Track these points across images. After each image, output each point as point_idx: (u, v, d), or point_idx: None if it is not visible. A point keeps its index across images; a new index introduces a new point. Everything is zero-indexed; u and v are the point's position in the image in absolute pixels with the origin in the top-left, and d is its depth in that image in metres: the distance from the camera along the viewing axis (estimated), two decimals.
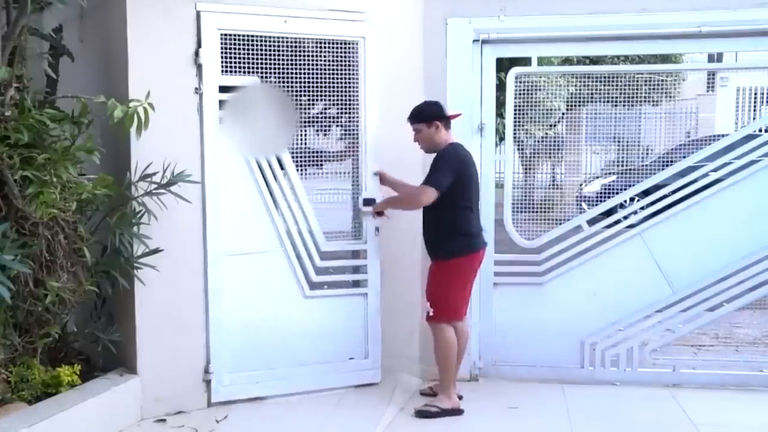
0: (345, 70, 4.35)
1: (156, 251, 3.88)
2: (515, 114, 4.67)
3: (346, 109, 4.42)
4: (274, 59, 4.06)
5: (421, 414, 4.04)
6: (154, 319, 3.99)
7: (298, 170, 4.31)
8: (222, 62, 4.03)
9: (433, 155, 4.12)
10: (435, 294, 4.09)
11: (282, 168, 4.25)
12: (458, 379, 4.57)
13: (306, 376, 4.33)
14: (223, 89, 4.06)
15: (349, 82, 4.39)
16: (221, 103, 4.07)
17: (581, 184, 6.11)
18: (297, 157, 4.34)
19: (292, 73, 4.14)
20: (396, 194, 4.35)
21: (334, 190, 4.65)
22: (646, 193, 4.65)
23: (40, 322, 3.70)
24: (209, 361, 4.15)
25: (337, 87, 4.35)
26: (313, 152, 4.72)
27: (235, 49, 4.00)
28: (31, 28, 3.76)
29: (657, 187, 4.59)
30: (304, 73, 4.13)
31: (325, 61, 4.15)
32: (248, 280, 4.19)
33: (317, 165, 4.71)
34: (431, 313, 4.09)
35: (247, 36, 4.02)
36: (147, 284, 3.93)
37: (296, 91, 4.17)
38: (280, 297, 4.28)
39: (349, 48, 4.45)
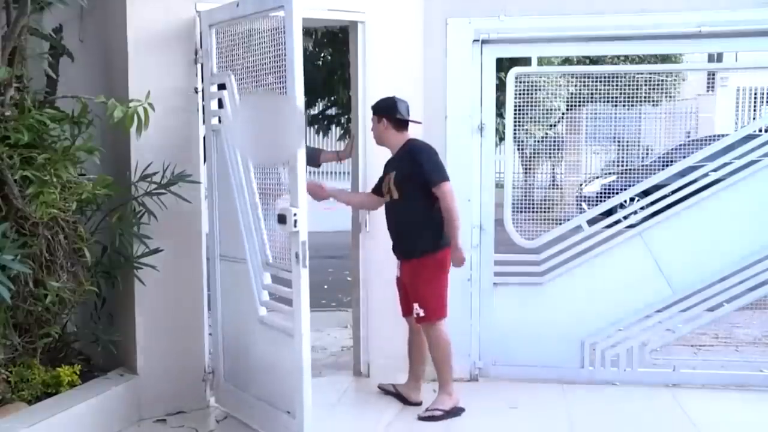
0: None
1: (156, 251, 3.88)
2: (515, 114, 4.67)
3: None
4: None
5: (425, 419, 4.01)
6: (154, 319, 3.99)
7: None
8: (218, 60, 3.99)
9: (383, 148, 4.15)
10: (425, 293, 4.00)
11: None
12: (458, 379, 4.59)
13: (263, 415, 3.77)
14: (223, 87, 4.04)
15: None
16: (221, 102, 4.05)
17: (581, 184, 6.12)
18: None
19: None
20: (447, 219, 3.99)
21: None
22: (646, 193, 4.65)
23: (40, 322, 3.70)
24: (209, 361, 4.16)
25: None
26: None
27: (233, 46, 3.97)
28: (31, 28, 3.76)
29: (657, 187, 4.59)
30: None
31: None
32: (231, 288, 4.03)
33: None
34: (422, 314, 4.01)
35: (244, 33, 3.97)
36: (147, 284, 3.93)
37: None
38: (245, 313, 3.87)
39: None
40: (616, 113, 5.45)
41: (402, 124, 4.10)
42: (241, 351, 3.94)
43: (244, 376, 3.93)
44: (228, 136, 3.91)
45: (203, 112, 4.04)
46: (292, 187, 3.42)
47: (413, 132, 4.18)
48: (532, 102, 4.80)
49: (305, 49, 7.30)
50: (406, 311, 4.18)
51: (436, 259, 4.02)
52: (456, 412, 4.05)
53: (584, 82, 5.41)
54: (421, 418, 4.02)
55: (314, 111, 9.40)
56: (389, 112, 4.07)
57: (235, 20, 3.75)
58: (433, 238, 3.99)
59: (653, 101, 5.68)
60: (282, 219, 3.41)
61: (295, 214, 3.35)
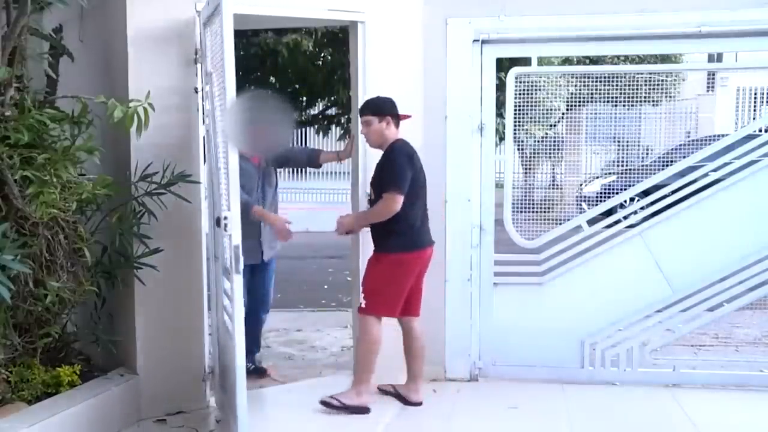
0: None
1: (156, 251, 3.88)
2: (515, 114, 4.67)
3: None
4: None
5: (323, 404, 4.01)
6: (154, 320, 3.99)
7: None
8: (211, 59, 3.95)
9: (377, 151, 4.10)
10: (372, 286, 4.01)
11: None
12: (458, 379, 4.61)
13: (226, 421, 3.78)
14: None
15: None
16: None
17: (581, 184, 6.12)
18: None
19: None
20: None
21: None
22: (646, 193, 4.65)
23: (40, 322, 3.70)
24: (209, 361, 4.16)
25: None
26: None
27: (213, 45, 3.95)
28: (31, 28, 3.76)
29: (657, 187, 4.59)
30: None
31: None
32: (216, 289, 4.00)
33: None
34: (363, 305, 4.01)
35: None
36: (147, 284, 3.93)
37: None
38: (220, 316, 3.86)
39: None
40: (616, 113, 5.45)
41: (399, 120, 4.10)
42: (221, 354, 3.95)
43: (221, 380, 3.95)
44: (208, 135, 3.91)
45: (203, 112, 4.04)
46: (225, 190, 3.30)
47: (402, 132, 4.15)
48: (532, 102, 4.81)
49: (305, 49, 7.32)
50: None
51: (393, 259, 3.97)
52: (357, 410, 4.00)
53: (584, 82, 5.42)
54: (321, 402, 4.02)
55: (314, 111, 9.42)
56: (393, 110, 4.06)
57: (210, 19, 3.71)
58: (397, 239, 3.96)
59: (653, 101, 5.69)
60: (218, 222, 3.34)
61: (225, 218, 3.24)
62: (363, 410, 4.01)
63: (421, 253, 4.06)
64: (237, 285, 3.28)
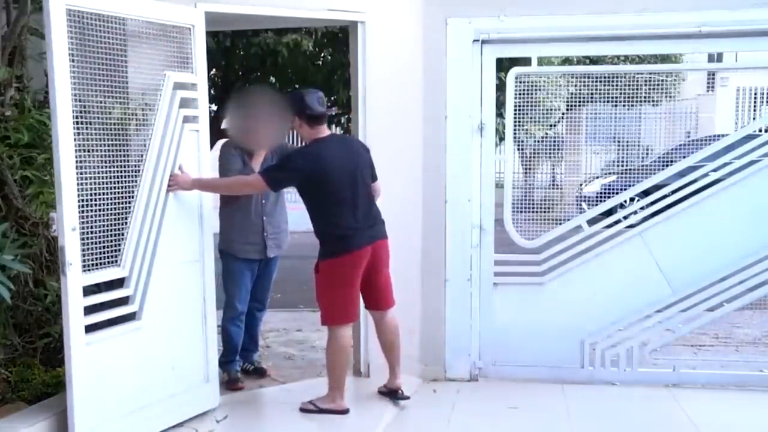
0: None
1: None
2: (515, 114, 4.66)
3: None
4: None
5: (302, 410, 4.05)
6: None
7: None
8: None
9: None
10: (319, 297, 3.98)
11: None
12: (458, 379, 4.60)
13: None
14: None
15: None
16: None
17: (581, 184, 6.12)
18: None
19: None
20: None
21: None
22: (646, 193, 4.65)
23: (40, 322, 3.70)
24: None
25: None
26: None
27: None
28: (31, 28, 3.76)
29: (657, 187, 4.59)
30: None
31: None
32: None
33: None
34: (321, 317, 4.02)
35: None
36: None
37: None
38: None
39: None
40: (616, 113, 5.44)
41: (315, 118, 3.91)
42: None
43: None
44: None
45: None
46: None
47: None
48: (532, 102, 4.80)
49: (305, 49, 7.31)
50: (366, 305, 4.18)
51: (328, 266, 3.90)
52: (335, 413, 4.01)
53: (584, 82, 5.41)
54: (300, 408, 4.06)
55: None
56: (300, 109, 3.88)
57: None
58: (325, 245, 3.91)
59: (653, 101, 5.68)
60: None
61: (51, 218, 3.20)
62: (341, 412, 4.01)
63: (358, 254, 3.88)
64: (63, 288, 3.19)
